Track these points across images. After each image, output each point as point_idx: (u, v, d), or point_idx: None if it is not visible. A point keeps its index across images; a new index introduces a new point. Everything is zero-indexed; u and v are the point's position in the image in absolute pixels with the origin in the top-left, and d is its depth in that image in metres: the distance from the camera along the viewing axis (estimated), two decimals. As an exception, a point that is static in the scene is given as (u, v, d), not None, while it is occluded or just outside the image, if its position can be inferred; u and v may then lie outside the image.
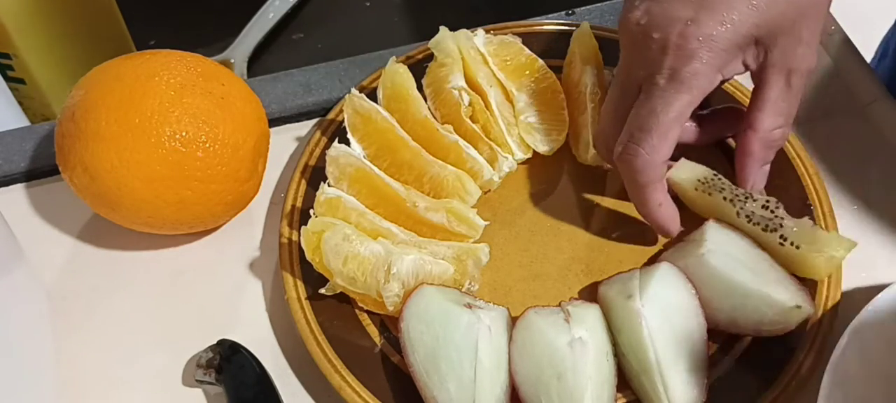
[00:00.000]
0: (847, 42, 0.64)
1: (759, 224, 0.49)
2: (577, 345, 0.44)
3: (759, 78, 0.48)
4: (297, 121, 0.62)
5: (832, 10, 0.65)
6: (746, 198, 0.50)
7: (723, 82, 0.48)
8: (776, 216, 0.49)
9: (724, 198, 0.50)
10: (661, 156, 0.47)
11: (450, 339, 0.45)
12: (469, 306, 0.47)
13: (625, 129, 0.48)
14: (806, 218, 0.49)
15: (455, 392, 0.44)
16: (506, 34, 0.58)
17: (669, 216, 0.50)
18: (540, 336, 0.45)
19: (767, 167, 0.51)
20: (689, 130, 0.53)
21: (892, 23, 0.73)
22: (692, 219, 0.53)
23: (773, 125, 0.49)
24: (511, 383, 0.45)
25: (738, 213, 0.50)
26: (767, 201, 0.50)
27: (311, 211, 0.50)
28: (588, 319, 0.47)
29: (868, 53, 0.65)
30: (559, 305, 0.48)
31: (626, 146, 0.48)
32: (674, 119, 0.46)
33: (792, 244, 0.48)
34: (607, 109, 0.51)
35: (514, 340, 0.46)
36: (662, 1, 0.46)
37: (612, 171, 0.56)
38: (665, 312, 0.46)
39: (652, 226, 0.51)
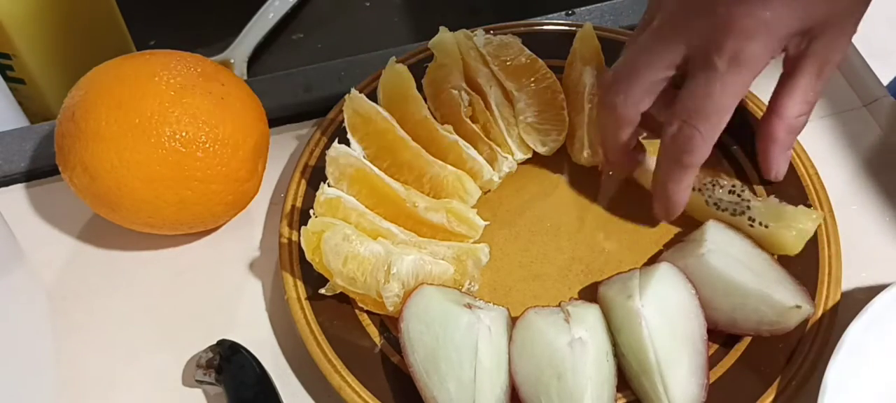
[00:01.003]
0: (847, 42, 0.64)
1: (726, 209, 0.50)
2: (577, 345, 0.44)
3: (793, 65, 0.48)
4: (297, 121, 0.62)
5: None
6: (714, 185, 0.51)
7: None
8: (742, 199, 0.50)
9: (693, 189, 0.51)
10: (714, 140, 0.47)
11: (450, 339, 0.45)
12: (469, 306, 0.47)
13: (678, 108, 0.47)
14: (772, 197, 0.50)
15: (455, 392, 0.44)
16: (506, 34, 0.58)
17: (685, 201, 0.50)
18: (540, 336, 0.45)
19: (790, 153, 0.52)
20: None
21: None
22: (692, 220, 0.53)
23: (798, 112, 0.49)
24: (511, 383, 0.45)
25: (707, 202, 0.51)
26: (733, 186, 0.51)
27: (311, 212, 0.50)
28: (588, 319, 0.47)
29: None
30: (559, 305, 0.48)
31: (682, 127, 0.47)
32: (731, 104, 0.46)
33: (760, 224, 0.49)
34: (636, 53, 0.49)
35: (514, 340, 0.46)
36: None
37: (611, 172, 0.56)
38: (665, 312, 0.46)
39: (662, 204, 0.51)
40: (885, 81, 0.62)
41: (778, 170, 0.52)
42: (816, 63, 0.47)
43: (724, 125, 0.47)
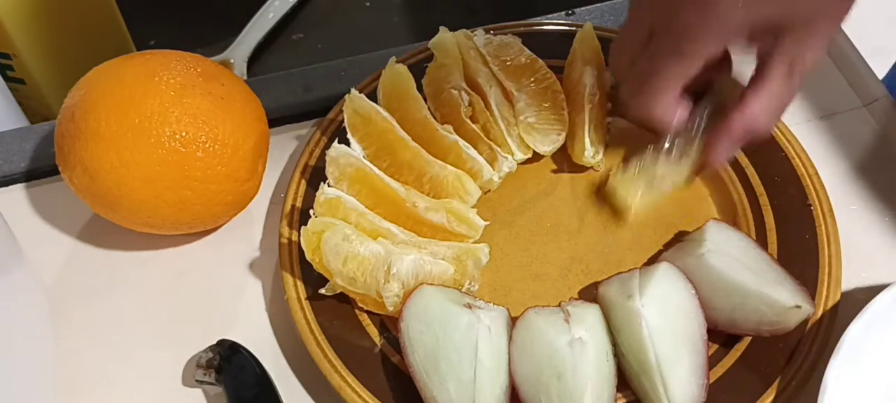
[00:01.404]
0: (847, 42, 0.64)
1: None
2: (577, 345, 0.44)
3: (763, 63, 0.47)
4: (297, 121, 0.62)
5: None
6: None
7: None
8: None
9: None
10: (663, 106, 0.48)
11: (450, 339, 0.45)
12: (469, 306, 0.47)
13: (632, 74, 0.49)
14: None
15: (455, 392, 0.44)
16: (506, 34, 0.58)
17: (675, 116, 0.50)
18: (540, 336, 0.45)
19: (736, 151, 0.51)
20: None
21: None
22: (692, 220, 0.53)
23: (760, 109, 0.48)
24: (511, 383, 0.45)
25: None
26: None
27: (311, 212, 0.50)
28: (588, 319, 0.47)
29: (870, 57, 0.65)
30: (559, 305, 0.48)
31: (631, 94, 0.49)
32: (673, 81, 0.47)
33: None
34: (623, 38, 0.51)
35: (514, 340, 0.46)
36: None
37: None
38: (665, 312, 0.46)
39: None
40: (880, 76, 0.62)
41: (716, 158, 0.50)
42: (784, 62, 0.46)
43: (671, 96, 0.48)
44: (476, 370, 0.45)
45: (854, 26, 0.65)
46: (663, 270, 0.47)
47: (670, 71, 0.47)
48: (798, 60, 0.46)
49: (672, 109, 0.49)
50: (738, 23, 0.44)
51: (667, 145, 0.51)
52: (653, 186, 0.52)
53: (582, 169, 0.57)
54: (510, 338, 0.46)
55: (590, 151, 0.55)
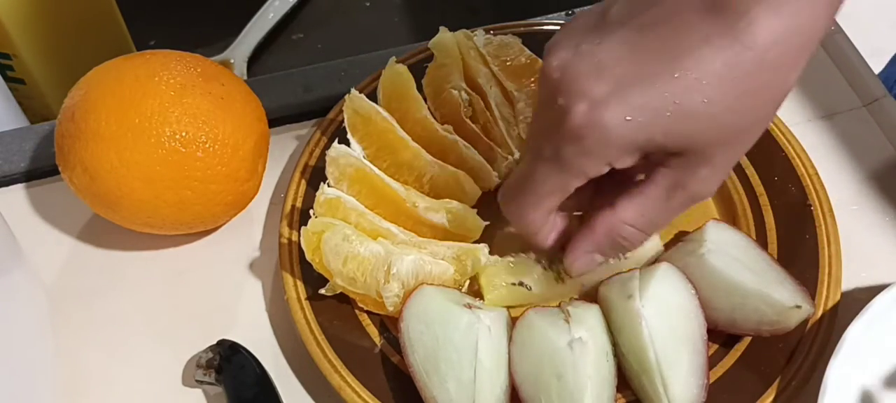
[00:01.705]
0: (847, 42, 0.64)
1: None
2: (577, 345, 0.44)
3: (647, 175, 0.43)
4: (297, 121, 0.62)
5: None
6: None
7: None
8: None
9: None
10: (532, 220, 0.45)
11: (450, 339, 0.45)
12: (469, 306, 0.47)
13: (511, 176, 0.46)
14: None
15: (455, 392, 0.44)
16: (506, 34, 0.58)
17: (546, 232, 0.47)
18: (540, 336, 0.45)
19: (597, 260, 0.46)
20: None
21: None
22: (692, 220, 0.53)
23: (630, 220, 0.44)
24: (511, 383, 0.45)
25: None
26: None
27: (311, 212, 0.50)
28: (588, 319, 0.46)
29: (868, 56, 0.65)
30: (559, 305, 0.48)
31: (503, 195, 0.46)
32: (548, 193, 0.43)
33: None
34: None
35: (514, 340, 0.46)
36: (585, 57, 0.40)
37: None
38: (665, 312, 0.46)
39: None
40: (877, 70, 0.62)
41: (572, 263, 0.47)
42: (669, 179, 0.42)
43: (545, 211, 0.45)
44: (476, 370, 0.45)
45: (854, 27, 0.65)
46: (663, 270, 0.47)
47: (547, 182, 0.43)
48: (682, 184, 0.42)
49: (542, 225, 0.45)
50: (628, 141, 0.40)
51: (545, 263, 0.50)
52: (516, 290, 0.49)
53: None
54: (510, 338, 0.46)
55: None
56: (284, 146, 0.60)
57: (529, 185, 0.44)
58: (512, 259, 0.50)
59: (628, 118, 0.39)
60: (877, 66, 0.68)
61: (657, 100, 0.39)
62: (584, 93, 0.39)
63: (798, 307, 0.46)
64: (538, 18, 0.64)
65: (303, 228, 0.49)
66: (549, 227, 0.46)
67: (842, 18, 0.65)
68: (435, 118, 0.56)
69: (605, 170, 0.41)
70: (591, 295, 0.50)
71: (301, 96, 0.62)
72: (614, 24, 0.40)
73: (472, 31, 0.58)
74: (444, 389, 0.45)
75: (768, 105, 0.40)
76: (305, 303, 0.50)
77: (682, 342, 0.45)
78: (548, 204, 0.44)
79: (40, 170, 0.59)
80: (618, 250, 0.46)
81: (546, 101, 0.41)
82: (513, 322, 0.47)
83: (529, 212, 0.45)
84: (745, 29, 0.38)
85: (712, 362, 0.47)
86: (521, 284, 0.49)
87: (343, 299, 0.50)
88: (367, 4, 0.84)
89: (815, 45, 0.39)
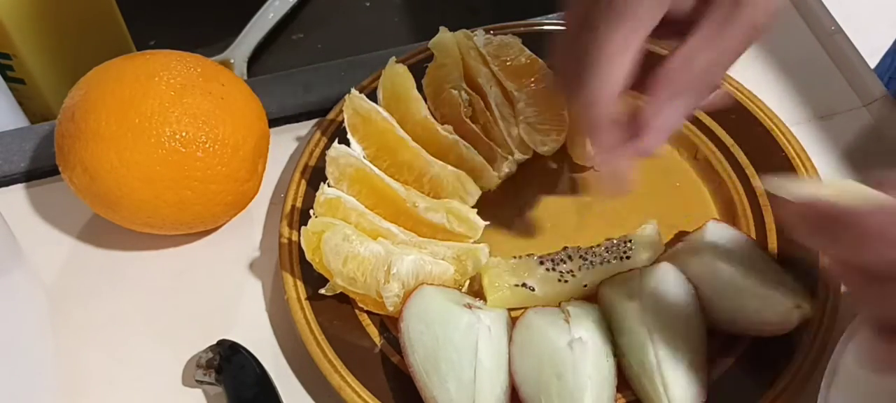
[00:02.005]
0: (847, 42, 0.64)
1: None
2: (577, 345, 0.44)
3: (699, 12, 0.42)
4: (297, 122, 0.62)
5: (833, 13, 0.66)
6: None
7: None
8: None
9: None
10: (608, 89, 0.42)
11: (450, 339, 0.45)
12: (469, 306, 0.47)
13: (568, 56, 0.44)
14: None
15: (455, 392, 0.44)
16: (506, 34, 0.58)
17: (622, 166, 0.45)
18: (540, 337, 0.45)
19: (679, 109, 0.43)
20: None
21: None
22: (692, 220, 0.53)
23: (701, 47, 0.42)
24: (511, 383, 0.45)
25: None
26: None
27: (311, 212, 0.50)
28: (588, 319, 0.47)
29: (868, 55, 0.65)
30: (559, 305, 0.48)
31: (572, 79, 0.43)
32: (618, 49, 0.41)
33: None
34: (561, 43, 0.46)
35: (514, 340, 0.46)
36: None
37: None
38: (665, 312, 0.46)
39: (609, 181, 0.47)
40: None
41: (654, 116, 0.43)
42: (724, 5, 0.41)
43: (618, 74, 0.42)
44: (476, 370, 0.45)
45: (854, 27, 0.65)
46: (663, 270, 0.47)
47: (612, 36, 0.41)
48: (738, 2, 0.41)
49: (613, 100, 0.42)
50: None
51: (548, 264, 0.50)
52: (519, 291, 0.49)
53: (582, 169, 0.57)
54: (510, 338, 0.46)
55: (589, 150, 0.55)
56: (284, 146, 0.60)
57: (595, 49, 0.41)
58: (514, 260, 0.50)
59: None
60: (876, 65, 0.68)
61: None
62: None
63: (798, 307, 0.46)
64: (538, 18, 0.64)
65: (303, 228, 0.49)
66: (618, 84, 0.42)
67: (842, 18, 0.65)
68: (435, 118, 0.56)
69: (665, 8, 0.40)
70: (591, 296, 0.50)
71: (301, 96, 0.62)
72: None
73: (472, 31, 0.58)
74: (445, 389, 0.45)
75: None
76: (305, 303, 0.50)
77: (682, 342, 0.45)
78: (617, 67, 0.41)
79: (40, 170, 0.59)
80: (698, 87, 0.43)
81: None
82: (513, 322, 0.47)
83: (602, 76, 0.41)
84: None
85: (712, 362, 0.47)
86: (523, 285, 0.49)
87: (343, 299, 0.50)
88: (367, 4, 0.84)
89: None
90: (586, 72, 0.42)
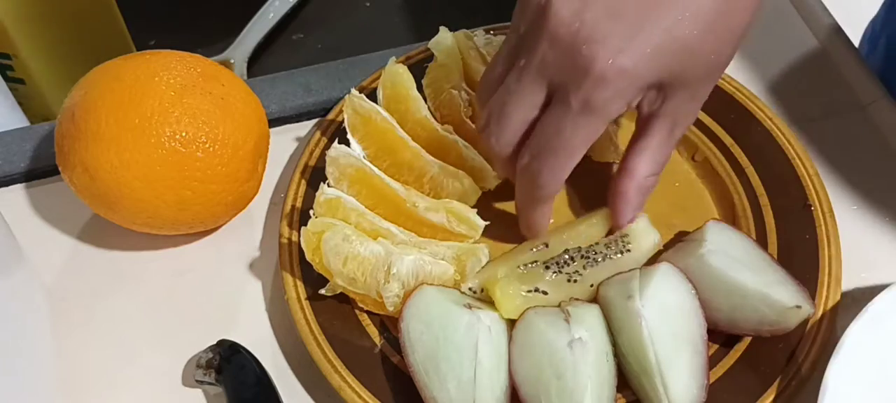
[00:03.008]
0: (847, 42, 0.64)
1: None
2: (577, 346, 0.44)
3: (646, 123, 0.48)
4: (297, 122, 0.62)
5: (833, 12, 0.66)
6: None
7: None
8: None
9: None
10: (563, 176, 0.47)
11: (450, 339, 0.45)
12: (469, 306, 0.47)
13: (531, 141, 0.47)
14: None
15: (455, 392, 0.44)
16: (505, 34, 0.58)
17: (546, 226, 0.51)
18: (540, 337, 0.45)
19: (640, 206, 0.51)
20: None
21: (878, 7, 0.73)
22: (692, 220, 0.53)
23: (648, 172, 0.49)
24: (511, 383, 0.45)
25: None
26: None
27: (311, 212, 0.50)
28: (588, 319, 0.46)
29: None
30: (559, 305, 0.48)
31: (530, 162, 0.47)
32: (581, 144, 0.46)
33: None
34: (496, 65, 0.49)
35: (514, 340, 0.46)
36: (596, 5, 0.43)
37: (611, 172, 0.56)
38: (665, 312, 0.46)
39: (524, 228, 0.51)
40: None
41: (623, 222, 0.51)
42: (668, 124, 0.47)
43: (573, 163, 0.46)
44: (476, 370, 0.45)
45: (855, 26, 0.65)
46: (663, 270, 0.47)
47: (579, 133, 0.45)
48: (680, 121, 0.48)
49: (561, 185, 0.48)
50: (646, 80, 0.44)
51: (554, 268, 0.50)
52: (532, 297, 0.49)
53: (581, 168, 0.56)
54: (510, 338, 0.46)
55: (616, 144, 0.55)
56: (284, 146, 0.60)
57: (561, 141, 0.45)
58: (521, 269, 0.50)
59: (646, 59, 0.43)
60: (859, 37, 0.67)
61: (666, 38, 0.43)
62: (608, 40, 0.43)
63: (798, 307, 0.46)
64: (538, 18, 0.64)
65: (303, 228, 0.49)
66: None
67: (842, 18, 0.65)
68: (435, 118, 0.56)
69: (624, 111, 0.45)
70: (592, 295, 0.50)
71: (301, 96, 0.62)
72: None
73: (472, 32, 0.58)
74: (445, 389, 0.45)
75: (740, 38, 0.45)
76: (305, 303, 0.50)
77: (682, 342, 0.45)
78: (577, 159, 0.47)
79: (40, 170, 0.59)
80: (647, 196, 0.50)
81: (563, 50, 0.44)
82: (513, 322, 0.47)
83: (562, 170, 0.47)
84: None
85: (712, 362, 0.47)
86: (536, 290, 0.49)
87: (343, 299, 0.50)
88: (367, 4, 0.84)
89: None
90: (548, 158, 0.46)
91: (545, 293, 0.49)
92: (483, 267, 0.50)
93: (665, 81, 0.45)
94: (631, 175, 0.49)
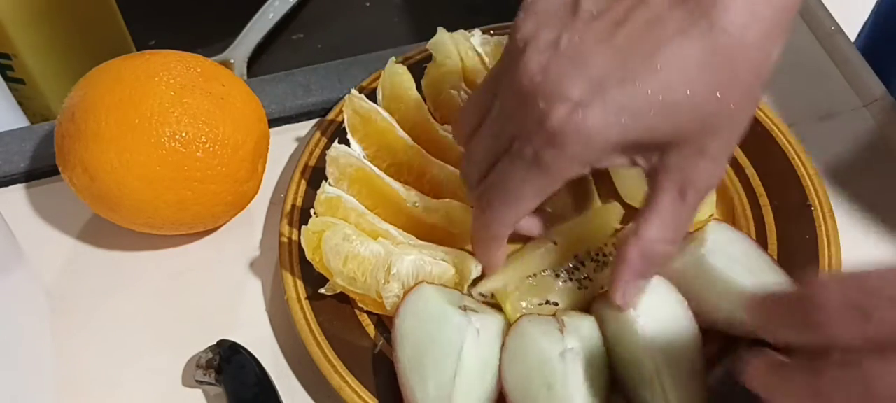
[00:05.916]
0: (847, 42, 0.64)
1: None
2: (569, 356, 0.44)
3: (651, 181, 0.43)
4: (297, 122, 0.62)
5: (833, 13, 0.66)
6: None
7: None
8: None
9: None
10: (507, 222, 0.45)
11: (437, 339, 0.45)
12: (464, 308, 0.46)
13: (487, 179, 0.45)
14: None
15: (433, 391, 0.44)
16: (504, 34, 0.58)
17: (498, 263, 0.49)
18: (532, 345, 0.45)
19: (644, 284, 0.45)
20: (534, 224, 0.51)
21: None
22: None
23: (657, 237, 0.43)
24: (499, 390, 0.45)
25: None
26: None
27: (312, 211, 0.50)
28: (582, 329, 0.46)
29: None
30: (554, 314, 0.48)
31: (480, 196, 0.46)
32: (530, 195, 0.43)
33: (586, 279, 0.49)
34: (477, 92, 0.47)
35: (507, 347, 0.45)
36: (562, 60, 0.40)
37: (610, 172, 0.56)
38: (660, 322, 0.45)
39: (480, 261, 0.49)
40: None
41: (624, 297, 0.44)
42: (673, 182, 0.42)
43: (521, 211, 0.44)
44: (457, 371, 0.44)
45: (854, 26, 0.65)
46: (653, 283, 0.47)
47: (526, 186, 0.43)
48: (689, 181, 0.42)
49: (508, 232, 0.46)
50: (612, 143, 0.40)
51: (564, 275, 0.50)
52: (545, 309, 0.49)
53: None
54: (503, 345, 0.46)
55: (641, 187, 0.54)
56: (284, 146, 0.60)
57: (509, 188, 0.44)
58: (530, 279, 0.50)
59: (611, 119, 0.39)
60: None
61: (640, 99, 0.39)
62: (566, 96, 0.39)
63: (798, 307, 0.46)
64: (538, 18, 0.64)
65: (303, 227, 0.49)
66: (511, 228, 0.46)
67: (842, 18, 0.65)
68: (435, 118, 0.56)
69: (586, 171, 0.42)
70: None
71: (301, 96, 0.62)
72: (588, 19, 0.40)
73: (470, 32, 0.58)
74: (424, 387, 0.44)
75: (754, 84, 0.40)
76: (305, 303, 0.50)
77: (679, 351, 0.45)
78: (525, 209, 0.44)
79: (40, 170, 0.59)
80: (658, 267, 0.45)
81: (522, 100, 0.41)
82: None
83: (508, 216, 0.45)
84: (721, 13, 0.38)
85: (712, 363, 0.47)
86: (548, 302, 0.49)
87: (343, 299, 0.50)
88: (367, 4, 0.84)
89: (794, 13, 0.40)
90: (493, 201, 0.45)
91: (557, 304, 0.49)
92: (499, 270, 0.50)
93: (648, 141, 0.40)
94: (636, 235, 0.43)
